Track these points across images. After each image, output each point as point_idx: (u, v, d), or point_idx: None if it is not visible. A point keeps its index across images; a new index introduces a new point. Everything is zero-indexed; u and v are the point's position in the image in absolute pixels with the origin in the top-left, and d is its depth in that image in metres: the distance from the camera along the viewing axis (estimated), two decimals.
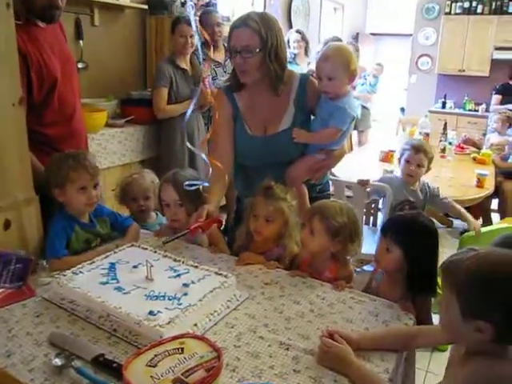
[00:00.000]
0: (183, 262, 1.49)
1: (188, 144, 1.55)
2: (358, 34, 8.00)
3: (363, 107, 5.75)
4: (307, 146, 1.81)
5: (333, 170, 3.16)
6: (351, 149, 4.90)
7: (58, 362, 1.05)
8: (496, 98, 5.51)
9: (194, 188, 1.65)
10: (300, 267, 1.63)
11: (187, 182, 1.65)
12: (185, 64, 3.32)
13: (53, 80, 1.82)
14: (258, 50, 1.65)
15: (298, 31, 4.56)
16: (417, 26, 7.52)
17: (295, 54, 4.46)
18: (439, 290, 1.49)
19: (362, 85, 5.74)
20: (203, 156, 1.55)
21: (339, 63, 1.70)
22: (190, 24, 3.08)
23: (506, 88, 5.41)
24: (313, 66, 4.81)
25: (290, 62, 4.04)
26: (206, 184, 1.69)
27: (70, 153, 1.70)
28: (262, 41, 1.65)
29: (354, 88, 5.59)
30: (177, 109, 3.22)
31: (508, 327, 0.92)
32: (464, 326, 0.95)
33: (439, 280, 1.10)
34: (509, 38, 6.44)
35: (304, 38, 4.50)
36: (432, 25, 7.33)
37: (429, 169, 2.63)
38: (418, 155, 2.58)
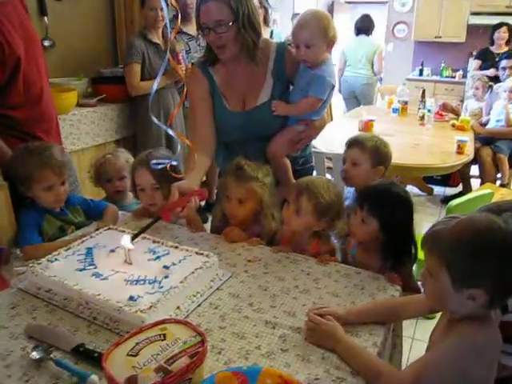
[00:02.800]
0: (163, 243, 1.45)
1: (154, 119, 1.45)
2: (333, 2, 7.87)
3: None
4: (288, 118, 1.76)
5: (313, 141, 3.14)
6: (331, 119, 4.86)
7: (35, 355, 1.01)
8: (476, 62, 5.50)
9: (161, 167, 1.56)
10: (281, 244, 1.60)
11: (154, 161, 1.57)
12: (157, 38, 3.20)
13: (16, 59, 1.72)
14: (230, 24, 1.57)
15: None
16: None
17: None
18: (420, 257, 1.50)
19: None
20: (170, 132, 1.46)
21: (317, 30, 1.64)
22: None
23: (486, 53, 5.40)
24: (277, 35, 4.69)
25: None
26: (175, 162, 1.60)
27: (34, 149, 1.61)
28: (233, 12, 1.56)
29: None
30: (151, 85, 3.12)
31: (500, 291, 0.92)
32: (455, 296, 0.94)
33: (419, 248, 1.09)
34: (484, 3, 6.40)
35: (263, 4, 4.05)
36: None
37: (380, 170, 1.86)
38: (351, 151, 1.89)
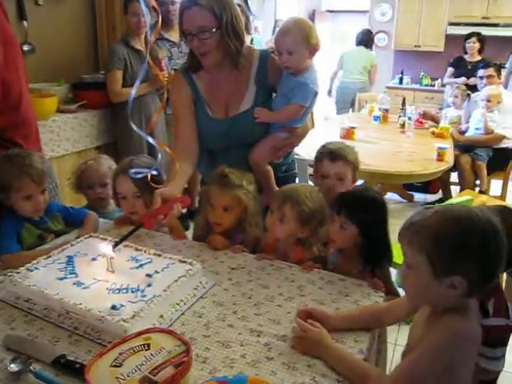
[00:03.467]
0: (145, 251, 1.42)
1: (134, 126, 1.43)
2: (314, 11, 7.94)
3: None
4: (270, 125, 1.76)
5: (295, 148, 3.15)
6: (313, 126, 4.89)
7: (14, 367, 0.98)
8: (449, 70, 5.65)
9: (140, 176, 1.52)
10: (264, 251, 1.59)
11: (133, 170, 1.53)
12: (139, 45, 3.19)
13: None
14: (214, 30, 1.56)
15: (237, 4, 4.17)
16: (373, 2, 7.53)
17: None
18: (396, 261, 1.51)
19: None
20: (150, 139, 1.42)
21: (299, 36, 1.65)
22: None
23: (458, 61, 5.55)
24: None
25: None
26: (154, 172, 1.56)
27: (13, 157, 1.58)
28: (216, 19, 1.56)
29: None
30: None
31: (480, 277, 0.93)
32: (436, 286, 0.94)
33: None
34: (462, 14, 6.55)
35: (244, 12, 3.97)
36: (388, 1, 7.35)
37: (355, 180, 1.81)
38: (336, 165, 1.74)
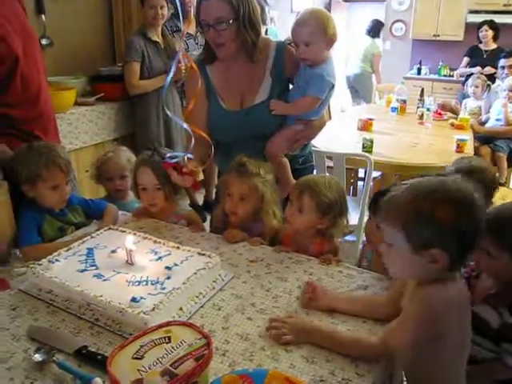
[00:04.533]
0: (164, 244, 1.44)
1: (168, 112, 1.47)
2: (330, 0, 7.84)
3: None
4: (286, 117, 1.75)
5: (312, 140, 3.13)
6: (330, 118, 4.86)
7: (38, 357, 1.00)
8: (464, 60, 5.57)
9: (176, 160, 1.57)
10: (283, 243, 1.59)
11: (169, 154, 1.57)
12: (156, 36, 3.18)
13: (14, 58, 1.70)
14: (231, 21, 1.56)
15: None
16: None
17: None
18: None
19: None
20: (184, 125, 1.46)
21: (316, 27, 1.62)
22: None
23: (473, 50, 5.46)
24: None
25: None
26: (190, 155, 1.59)
27: (41, 148, 1.60)
28: (233, 10, 1.56)
29: None
30: (150, 84, 3.11)
31: (460, 250, 0.92)
32: (417, 260, 0.94)
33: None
34: (483, 1, 6.39)
35: (259, 3, 4.10)
36: None
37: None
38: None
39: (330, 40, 1.66)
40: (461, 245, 0.92)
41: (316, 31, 1.63)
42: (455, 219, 0.90)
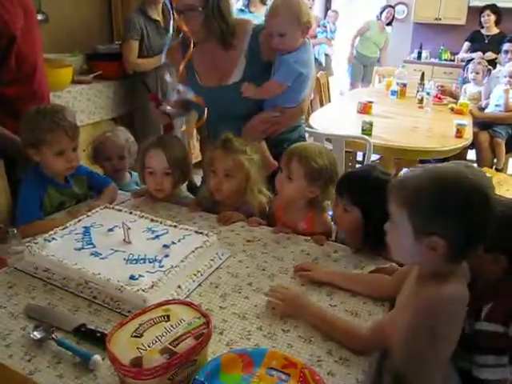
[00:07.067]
0: (161, 223, 1.43)
1: (167, 77, 1.53)
2: None
3: (325, 55, 5.96)
4: (263, 102, 1.74)
5: (311, 122, 3.11)
6: (329, 100, 4.83)
7: (37, 334, 1.00)
8: (465, 45, 5.54)
9: (181, 97, 1.68)
10: (275, 215, 1.60)
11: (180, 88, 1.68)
12: (157, 15, 3.12)
13: (11, 37, 1.66)
14: (200, 9, 1.60)
15: None
16: None
17: (248, 1, 3.85)
18: None
19: (322, 33, 5.99)
20: (180, 87, 1.60)
21: (289, 17, 1.60)
22: None
23: (475, 35, 5.42)
24: None
25: (242, 10, 3.76)
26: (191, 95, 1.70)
27: (46, 109, 1.54)
28: None
29: (315, 37, 5.68)
30: (149, 63, 3.07)
31: (462, 242, 0.90)
32: (417, 245, 0.93)
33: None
34: None
35: None
36: None
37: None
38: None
39: (304, 28, 1.64)
40: (463, 237, 0.90)
41: (289, 21, 1.60)
42: (461, 210, 0.88)
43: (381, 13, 6.07)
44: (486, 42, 5.25)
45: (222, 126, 1.73)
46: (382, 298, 1.19)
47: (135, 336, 0.83)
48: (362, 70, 6.27)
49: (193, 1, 1.59)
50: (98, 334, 0.99)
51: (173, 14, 1.70)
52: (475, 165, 3.99)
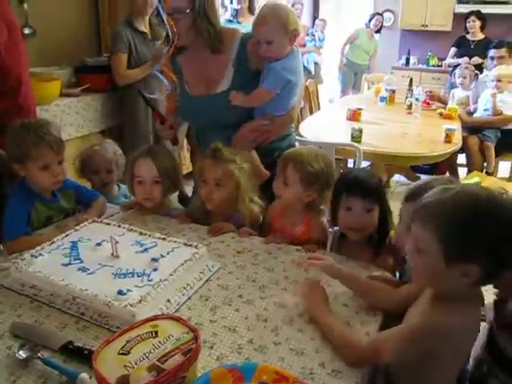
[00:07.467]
0: (150, 235, 1.42)
1: (145, 93, 1.54)
2: None
3: (315, 63, 5.99)
4: (253, 110, 1.74)
5: (300, 130, 3.12)
6: (318, 108, 4.84)
7: (22, 354, 0.97)
8: (452, 50, 5.62)
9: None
10: (272, 222, 1.60)
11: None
12: (144, 27, 3.13)
13: None
14: (187, 11, 1.61)
15: None
16: None
17: (237, 11, 3.88)
18: None
19: (311, 41, 6.02)
20: (158, 74, 1.58)
21: (276, 25, 1.61)
22: None
23: (461, 41, 5.49)
24: None
25: (230, 21, 3.76)
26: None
27: (30, 124, 1.53)
28: (191, 0, 1.61)
29: (304, 46, 5.77)
30: (138, 73, 3.06)
31: (495, 266, 0.88)
32: (447, 272, 0.90)
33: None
34: None
35: None
36: None
37: None
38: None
39: (292, 35, 1.65)
40: (498, 262, 0.88)
41: (276, 29, 1.61)
42: (497, 236, 0.86)
43: (369, 20, 6.10)
44: (472, 47, 5.32)
45: (211, 136, 1.73)
46: (376, 309, 1.18)
47: (122, 353, 0.81)
48: (353, 77, 6.28)
49: (180, 3, 1.61)
50: (86, 352, 0.97)
51: (166, 20, 1.72)
52: (465, 169, 4.02)
